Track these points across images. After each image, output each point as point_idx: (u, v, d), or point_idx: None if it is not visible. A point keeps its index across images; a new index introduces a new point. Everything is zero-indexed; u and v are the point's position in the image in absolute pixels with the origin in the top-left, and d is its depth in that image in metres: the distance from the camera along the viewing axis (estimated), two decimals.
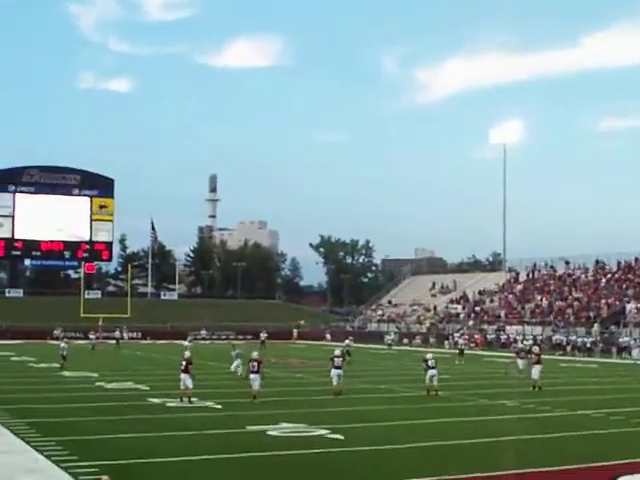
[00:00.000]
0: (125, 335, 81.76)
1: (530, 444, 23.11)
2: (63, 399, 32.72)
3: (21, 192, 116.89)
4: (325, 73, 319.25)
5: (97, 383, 39.89)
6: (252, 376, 33.18)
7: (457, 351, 65.34)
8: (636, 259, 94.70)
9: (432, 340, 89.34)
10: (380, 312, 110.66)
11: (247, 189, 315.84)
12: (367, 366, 54.84)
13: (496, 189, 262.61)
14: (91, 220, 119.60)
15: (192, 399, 31.73)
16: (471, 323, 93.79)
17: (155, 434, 23.83)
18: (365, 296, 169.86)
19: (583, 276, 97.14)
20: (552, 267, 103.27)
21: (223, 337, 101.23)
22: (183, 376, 32.41)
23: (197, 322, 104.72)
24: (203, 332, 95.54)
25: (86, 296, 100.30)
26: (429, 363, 36.34)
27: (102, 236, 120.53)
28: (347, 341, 62.84)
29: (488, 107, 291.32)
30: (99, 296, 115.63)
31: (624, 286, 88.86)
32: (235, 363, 44.50)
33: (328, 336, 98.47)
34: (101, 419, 26.96)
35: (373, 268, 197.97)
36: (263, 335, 78.07)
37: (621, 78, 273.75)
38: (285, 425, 25.54)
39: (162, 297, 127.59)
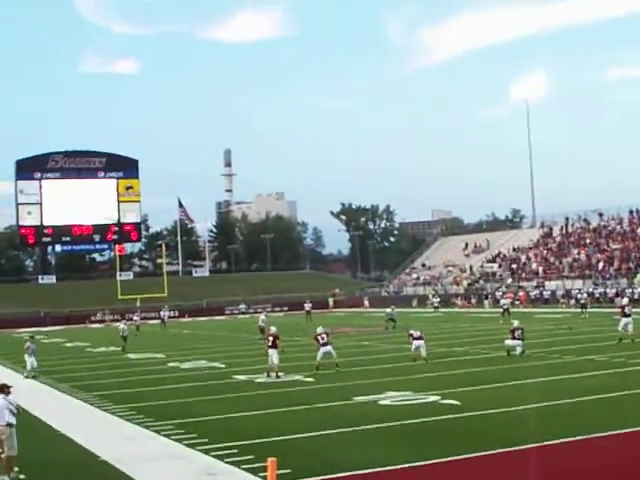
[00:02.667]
0: (166, 314, 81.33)
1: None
2: (149, 382, 32.39)
3: (47, 178, 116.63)
4: (330, 40, 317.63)
5: (170, 364, 39.58)
6: (326, 348, 33.10)
7: (501, 310, 64.87)
8: None
9: (473, 300, 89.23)
10: (415, 275, 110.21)
11: (262, 161, 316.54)
12: (426, 330, 54.28)
13: (513, 146, 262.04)
14: (118, 202, 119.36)
15: (279, 374, 31.48)
16: (510, 281, 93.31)
17: (269, 411, 23.48)
18: (390, 261, 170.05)
19: (618, 227, 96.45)
20: (585, 220, 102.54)
21: (260, 310, 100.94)
22: (271, 351, 32.05)
23: (231, 297, 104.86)
24: (242, 306, 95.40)
25: (118, 278, 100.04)
26: (516, 334, 35.94)
27: (130, 217, 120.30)
28: (389, 309, 62.08)
29: (498, 63, 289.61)
30: (131, 277, 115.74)
31: None
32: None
33: (366, 302, 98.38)
34: (202, 399, 26.61)
35: (395, 232, 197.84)
36: (308, 306, 77.91)
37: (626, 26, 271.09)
38: (391, 394, 25.24)
39: (194, 274, 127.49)
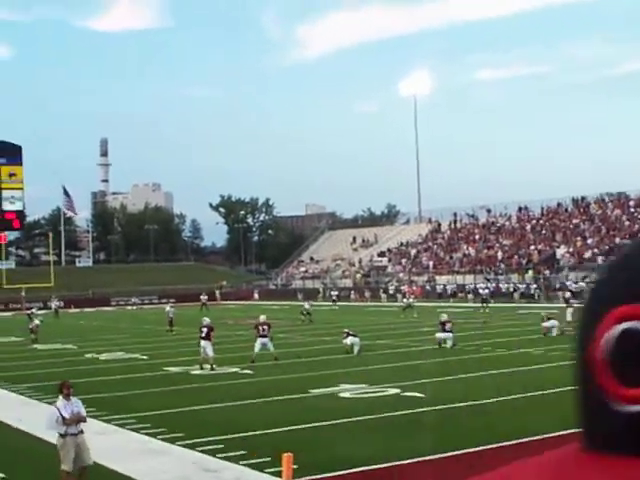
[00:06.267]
0: (57, 304, 78.92)
1: None
2: (79, 373, 30.65)
3: None
4: (205, 31, 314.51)
5: (86, 355, 38.19)
6: (264, 340, 32.58)
7: (402, 304, 65.06)
8: (559, 204, 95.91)
9: (367, 295, 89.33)
10: (303, 269, 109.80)
11: (138, 151, 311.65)
12: (337, 324, 53.90)
13: (386, 143, 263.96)
14: (0, 189, 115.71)
15: (214, 366, 30.57)
16: (401, 275, 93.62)
17: (229, 404, 22.69)
18: (268, 254, 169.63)
19: (507, 223, 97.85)
20: (473, 216, 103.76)
21: (146, 302, 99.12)
22: (204, 343, 31.26)
23: (116, 288, 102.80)
24: (134, 299, 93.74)
25: (1, 267, 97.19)
26: (446, 327, 35.95)
27: (13, 205, 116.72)
28: (306, 304, 61.49)
29: (379, 60, 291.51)
30: (13, 266, 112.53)
31: (551, 231, 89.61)
32: None
33: (256, 295, 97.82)
34: (149, 391, 25.59)
35: (272, 226, 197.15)
36: (204, 298, 76.85)
37: (495, 29, 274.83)
38: (347, 386, 24.70)
39: (77, 264, 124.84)
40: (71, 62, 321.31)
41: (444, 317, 36.76)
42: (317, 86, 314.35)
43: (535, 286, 76.09)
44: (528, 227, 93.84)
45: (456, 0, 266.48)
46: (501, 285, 79.06)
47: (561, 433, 17.00)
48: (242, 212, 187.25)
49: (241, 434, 18.32)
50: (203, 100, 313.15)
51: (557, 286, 75.48)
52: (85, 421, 14.48)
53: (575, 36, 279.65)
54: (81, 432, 14.23)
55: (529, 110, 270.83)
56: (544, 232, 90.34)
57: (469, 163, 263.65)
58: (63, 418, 13.91)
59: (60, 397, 14.40)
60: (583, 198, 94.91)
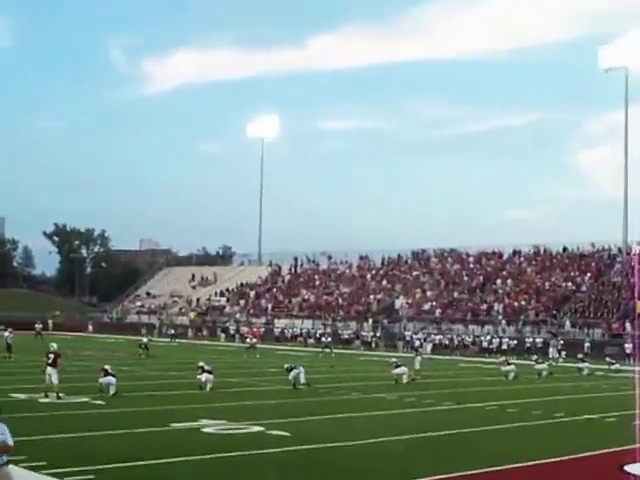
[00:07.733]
0: None
1: (478, 437, 22.97)
2: None
3: None
4: (47, 58, 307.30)
5: None
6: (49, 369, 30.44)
7: (247, 345, 64.96)
8: (399, 256, 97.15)
9: (205, 333, 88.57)
10: (139, 303, 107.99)
11: None
12: (183, 360, 52.96)
13: (227, 184, 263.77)
14: None
15: (60, 394, 29.34)
16: (238, 316, 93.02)
17: (90, 434, 21.64)
18: (99, 287, 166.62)
19: (348, 271, 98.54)
20: (314, 261, 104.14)
21: None
22: (49, 370, 29.88)
23: None
24: None
25: None
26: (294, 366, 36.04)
27: None
28: (145, 339, 60.67)
29: (223, 101, 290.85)
30: None
31: (391, 282, 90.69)
32: None
33: (90, 327, 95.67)
34: None
35: (107, 258, 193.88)
36: (38, 326, 74.85)
37: (345, 79, 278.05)
38: (207, 422, 23.99)
39: None
40: None
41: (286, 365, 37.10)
42: (161, 122, 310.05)
43: (372, 334, 76.90)
44: (368, 276, 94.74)
45: (313, 49, 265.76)
46: (340, 332, 79.52)
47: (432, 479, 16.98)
48: (77, 242, 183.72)
49: (113, 465, 17.47)
50: (40, 126, 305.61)
51: (395, 335, 76.53)
52: (8, 451, 12.27)
53: (419, 95, 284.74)
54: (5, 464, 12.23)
55: (371, 161, 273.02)
56: (384, 282, 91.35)
57: (312, 209, 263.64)
58: None
59: None
60: (423, 251, 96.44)
